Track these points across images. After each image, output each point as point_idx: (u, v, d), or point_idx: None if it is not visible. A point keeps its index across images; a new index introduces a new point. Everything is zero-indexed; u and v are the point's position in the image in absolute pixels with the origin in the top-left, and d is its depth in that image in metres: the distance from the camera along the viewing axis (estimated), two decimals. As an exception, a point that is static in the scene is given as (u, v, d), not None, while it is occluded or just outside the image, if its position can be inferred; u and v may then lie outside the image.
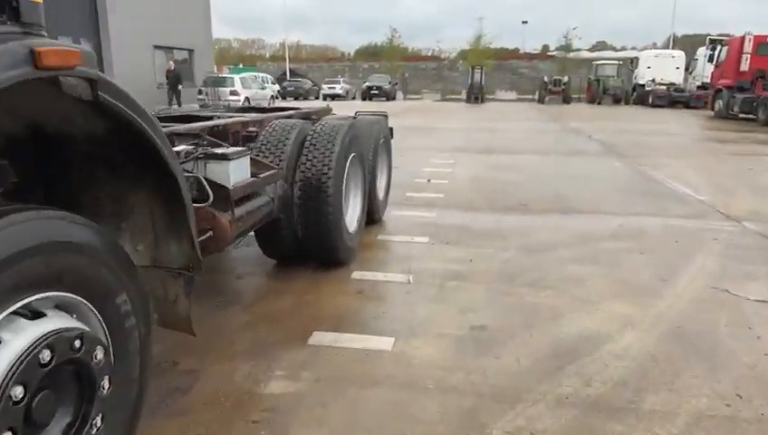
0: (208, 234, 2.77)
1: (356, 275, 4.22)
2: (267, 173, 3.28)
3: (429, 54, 66.52)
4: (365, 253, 4.73)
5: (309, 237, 4.01)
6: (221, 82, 22.53)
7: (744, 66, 20.69)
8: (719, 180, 8.43)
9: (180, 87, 20.47)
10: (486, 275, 4.24)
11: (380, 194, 5.70)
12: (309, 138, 4.06)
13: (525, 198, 6.96)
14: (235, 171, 2.92)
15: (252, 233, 3.87)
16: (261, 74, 30.45)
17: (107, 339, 1.85)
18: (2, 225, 1.44)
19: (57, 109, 1.90)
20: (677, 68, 32.60)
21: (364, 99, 36.14)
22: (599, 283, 4.13)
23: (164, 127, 3.43)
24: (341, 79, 41.11)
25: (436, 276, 4.22)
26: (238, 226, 2.94)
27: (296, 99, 35.78)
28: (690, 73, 31.48)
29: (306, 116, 5.62)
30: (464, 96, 37.69)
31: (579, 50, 49.12)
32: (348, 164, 4.20)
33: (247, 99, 21.62)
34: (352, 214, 4.56)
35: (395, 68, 50.55)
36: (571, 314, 3.59)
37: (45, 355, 1.55)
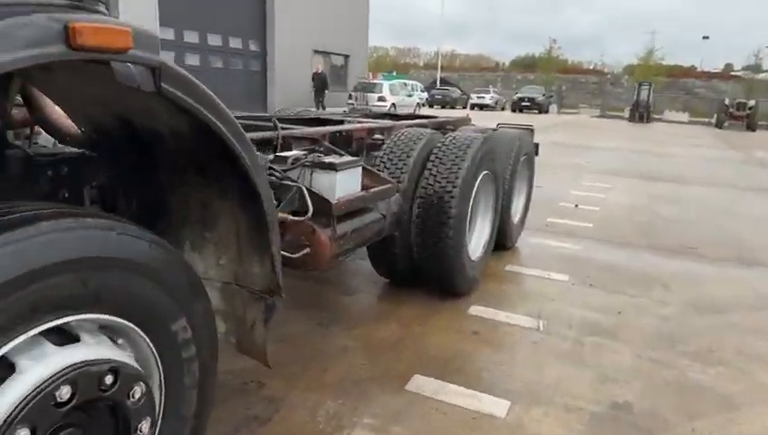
0: (305, 250, 2.44)
1: (474, 310, 3.68)
2: (380, 188, 2.89)
3: (591, 68, 62.92)
4: (489, 284, 4.16)
5: (425, 261, 3.56)
6: (370, 88, 23.04)
7: None
8: None
9: (327, 91, 20.75)
10: (638, 335, 3.45)
11: (515, 217, 5.07)
12: (436, 150, 3.60)
13: (694, 240, 5.84)
14: (343, 183, 2.56)
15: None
16: (411, 82, 30.72)
17: (159, 371, 1.56)
18: (20, 236, 1.18)
19: (137, 101, 1.66)
20: None
21: (514, 110, 34.91)
22: (794, 367, 3.14)
23: (283, 129, 3.23)
24: (492, 89, 40.16)
25: (573, 327, 3.52)
26: (340, 244, 2.58)
27: (443, 107, 35.64)
28: None
29: (440, 126, 5.19)
30: (626, 114, 34.73)
31: (771, 70, 42.94)
32: (478, 183, 3.67)
33: (393, 105, 21.82)
34: (478, 239, 4.02)
35: (551, 80, 48.37)
36: (752, 406, 2.72)
37: (63, 393, 1.27)
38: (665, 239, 5.83)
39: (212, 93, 1.52)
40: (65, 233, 1.26)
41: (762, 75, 42.02)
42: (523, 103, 34.91)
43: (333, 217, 2.47)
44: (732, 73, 50.77)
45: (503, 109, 37.25)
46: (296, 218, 2.31)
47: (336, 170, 2.51)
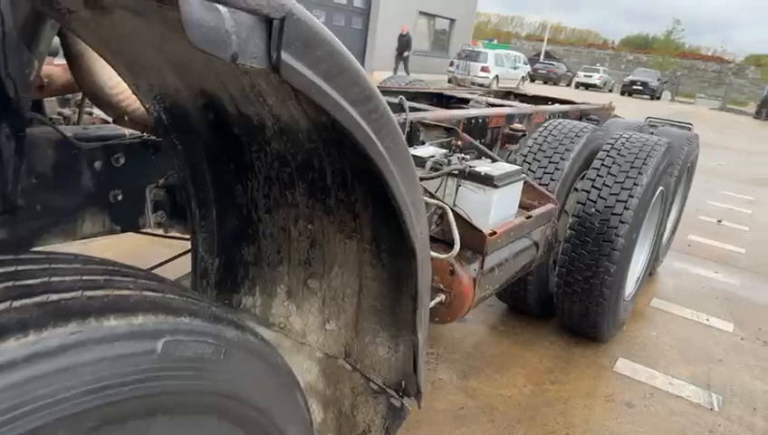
0: (438, 298, 1.72)
1: (622, 365, 2.85)
2: (542, 210, 2.10)
3: (710, 54, 57.30)
4: (634, 325, 3.30)
5: (569, 299, 2.76)
6: (474, 56, 21.62)
7: None
8: None
9: (407, 54, 18.67)
10: None
11: (664, 238, 4.11)
12: (602, 154, 2.75)
13: None
14: (500, 205, 1.81)
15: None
16: (514, 53, 28.84)
17: None
18: None
19: (233, 73, 0.98)
20: None
21: (623, 93, 32.19)
22: None
23: (411, 111, 2.49)
24: (601, 68, 37.21)
25: (759, 411, 2.63)
26: (484, 288, 1.84)
27: (545, 83, 33.48)
28: None
29: (584, 114, 4.27)
30: (749, 109, 31.17)
31: None
32: (653, 202, 2.80)
33: (497, 77, 20.42)
34: (633, 271, 3.14)
35: (666, 64, 44.37)
36: None
37: None
38: None
39: (365, 75, 0.80)
40: (54, 361, 0.59)
41: None
42: (635, 87, 32.08)
43: (484, 255, 1.72)
44: None
45: (610, 90, 34.51)
46: (436, 255, 1.58)
47: (495, 186, 1.74)
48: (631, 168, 2.63)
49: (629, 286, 3.09)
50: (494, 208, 1.77)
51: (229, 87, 1.08)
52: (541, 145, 2.82)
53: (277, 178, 1.25)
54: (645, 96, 31.52)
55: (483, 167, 1.83)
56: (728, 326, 3.50)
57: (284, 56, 0.65)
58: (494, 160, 2.00)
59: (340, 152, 1.06)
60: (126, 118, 1.27)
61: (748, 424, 2.52)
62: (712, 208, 6.60)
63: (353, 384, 1.31)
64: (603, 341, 2.98)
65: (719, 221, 6.11)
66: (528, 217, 1.97)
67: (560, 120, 2.99)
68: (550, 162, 2.75)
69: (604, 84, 33.99)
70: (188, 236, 1.56)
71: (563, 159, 2.74)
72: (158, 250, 1.96)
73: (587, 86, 33.15)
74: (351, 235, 1.19)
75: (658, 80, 33.14)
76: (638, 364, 2.88)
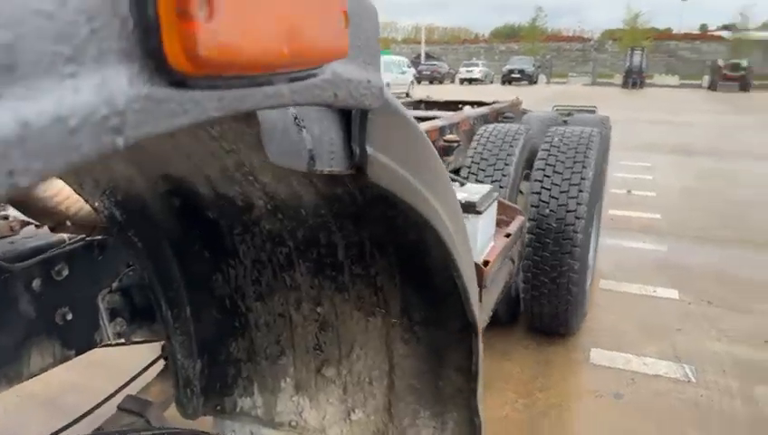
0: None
1: (597, 355, 2.87)
2: (516, 225, 2.03)
3: (571, 35, 62.06)
4: (591, 312, 3.34)
5: (536, 301, 2.73)
6: (362, 66, 21.75)
7: None
8: None
9: None
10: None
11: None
12: (543, 154, 2.75)
13: (786, 228, 5.09)
14: (483, 230, 1.71)
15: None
16: (397, 57, 29.52)
17: None
18: None
19: (211, 157, 0.79)
20: None
21: (503, 83, 33.99)
22: None
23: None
24: (480, 62, 39.06)
25: (728, 372, 2.73)
26: (482, 320, 1.72)
27: (431, 83, 34.58)
28: None
29: (499, 113, 4.33)
30: (616, 80, 34.11)
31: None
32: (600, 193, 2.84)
33: (388, 84, 20.72)
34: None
35: (536, 49, 47.44)
36: None
37: None
38: (750, 230, 5.05)
39: (434, 150, 0.65)
40: None
41: (759, 34, 41.23)
42: (513, 75, 33.97)
43: (481, 288, 1.61)
44: (710, 33, 50.21)
45: (491, 82, 36.28)
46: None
47: (478, 213, 1.64)
48: (575, 163, 2.65)
49: (589, 277, 3.13)
50: (480, 235, 1.67)
51: (205, 169, 0.88)
52: (482, 154, 2.79)
53: (270, 261, 1.05)
54: (523, 82, 33.45)
55: (459, 193, 1.72)
56: (674, 294, 3.66)
57: (371, 151, 0.48)
58: (461, 184, 1.90)
59: (357, 224, 0.90)
60: (68, 223, 1.02)
61: (724, 388, 2.61)
62: (619, 180, 6.99)
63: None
64: (572, 335, 2.99)
65: (629, 191, 6.49)
66: (507, 236, 1.89)
67: (493, 126, 2.97)
68: (495, 170, 2.72)
69: (485, 77, 35.67)
70: (157, 339, 1.31)
71: (507, 165, 2.72)
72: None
73: (470, 81, 34.61)
74: (374, 310, 1.02)
75: (533, 65, 35.32)
76: (609, 351, 2.91)
